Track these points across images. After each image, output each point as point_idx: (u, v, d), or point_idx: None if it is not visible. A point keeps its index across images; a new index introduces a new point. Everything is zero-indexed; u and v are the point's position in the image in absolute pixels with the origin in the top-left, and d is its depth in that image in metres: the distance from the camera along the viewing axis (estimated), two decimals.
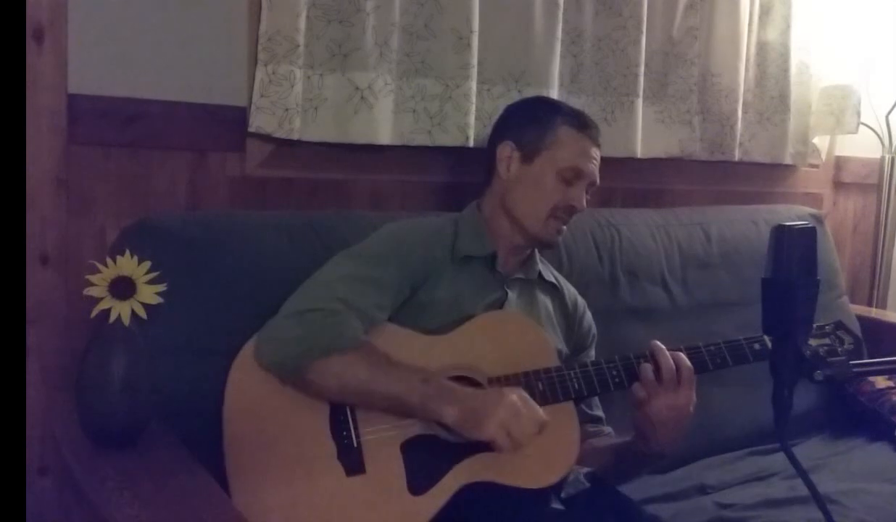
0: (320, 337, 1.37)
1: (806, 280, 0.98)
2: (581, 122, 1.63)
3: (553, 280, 1.69)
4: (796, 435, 2.11)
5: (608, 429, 1.66)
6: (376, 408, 1.38)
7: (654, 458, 1.50)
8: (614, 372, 1.47)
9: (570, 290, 1.72)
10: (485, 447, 1.36)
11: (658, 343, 1.47)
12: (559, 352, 1.59)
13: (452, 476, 1.36)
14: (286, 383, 1.39)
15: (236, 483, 1.34)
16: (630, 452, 1.52)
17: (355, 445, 1.37)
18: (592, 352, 1.70)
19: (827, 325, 1.56)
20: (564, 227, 1.62)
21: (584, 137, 1.61)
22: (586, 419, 1.63)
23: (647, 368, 1.44)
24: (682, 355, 1.45)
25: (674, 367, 1.43)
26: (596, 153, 1.62)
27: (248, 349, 1.42)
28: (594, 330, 1.72)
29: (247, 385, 1.40)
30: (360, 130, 1.82)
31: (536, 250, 1.67)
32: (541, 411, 1.35)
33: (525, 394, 1.36)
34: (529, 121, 1.64)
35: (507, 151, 1.62)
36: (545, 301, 1.65)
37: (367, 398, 1.38)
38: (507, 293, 1.58)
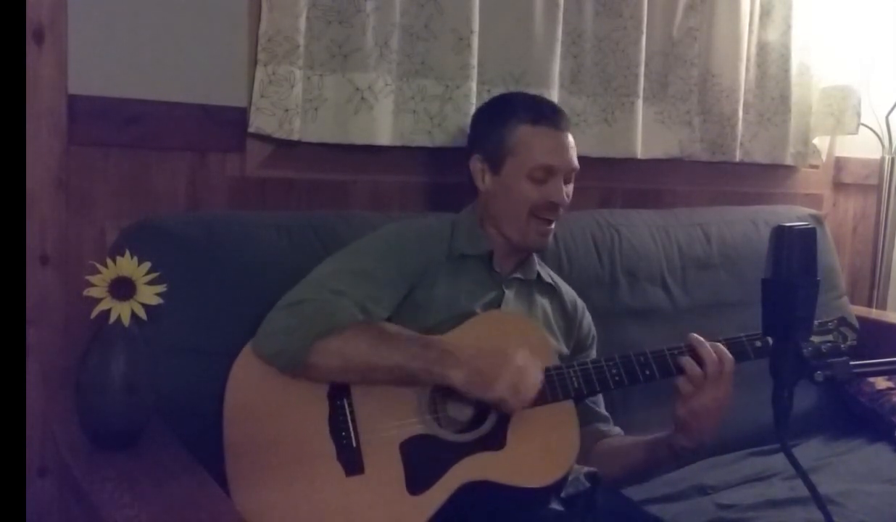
0: (316, 320, 1.38)
1: (806, 280, 0.98)
2: (537, 114, 1.58)
3: (551, 281, 1.69)
4: (796, 436, 2.11)
5: (617, 430, 1.65)
6: (381, 382, 1.38)
7: (693, 451, 1.49)
8: (614, 371, 1.46)
9: (568, 291, 1.71)
10: (483, 445, 1.37)
11: (697, 336, 1.46)
12: (558, 355, 1.58)
13: (451, 475, 1.36)
14: (289, 374, 1.38)
15: (236, 483, 1.34)
16: (667, 447, 1.50)
17: (354, 445, 1.37)
18: (593, 353, 1.69)
19: (830, 322, 1.54)
20: (551, 226, 1.59)
21: (546, 130, 1.57)
22: (596, 419, 1.63)
23: (691, 362, 1.43)
24: (722, 347, 1.45)
25: (717, 359, 1.43)
26: (563, 139, 1.58)
27: (248, 349, 1.42)
28: (594, 331, 1.72)
29: (247, 385, 1.40)
30: (360, 131, 1.83)
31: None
32: (539, 372, 1.39)
33: (525, 352, 1.38)
34: (490, 129, 1.62)
35: (477, 165, 1.62)
36: (543, 303, 1.64)
37: (372, 371, 1.38)
38: (504, 292, 1.58)
